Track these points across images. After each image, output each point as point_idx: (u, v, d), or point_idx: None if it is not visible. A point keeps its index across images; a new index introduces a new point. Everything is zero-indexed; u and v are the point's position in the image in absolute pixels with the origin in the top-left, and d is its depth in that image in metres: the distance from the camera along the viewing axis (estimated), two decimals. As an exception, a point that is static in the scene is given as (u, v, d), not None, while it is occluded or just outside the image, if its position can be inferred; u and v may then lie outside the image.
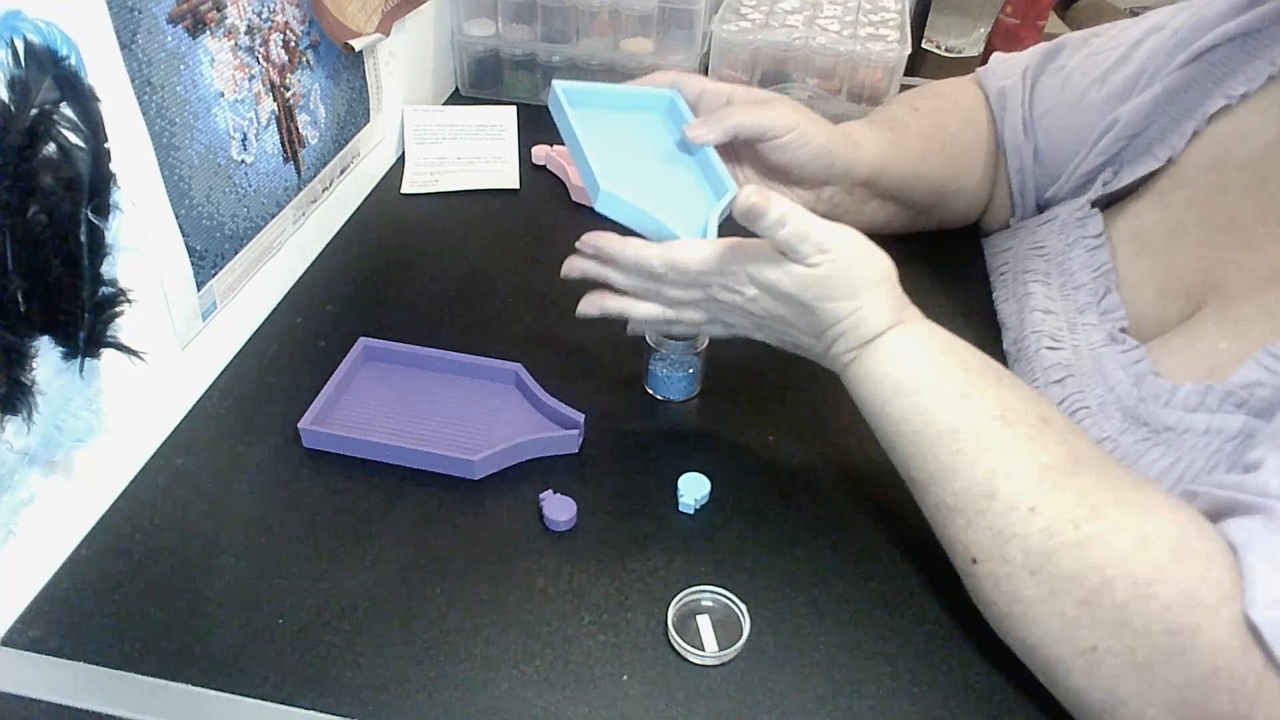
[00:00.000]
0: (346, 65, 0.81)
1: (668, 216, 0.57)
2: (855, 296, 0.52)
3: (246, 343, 0.71)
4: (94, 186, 0.47)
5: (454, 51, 1.07)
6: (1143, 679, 0.42)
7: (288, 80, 0.72)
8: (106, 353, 0.51)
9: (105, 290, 0.49)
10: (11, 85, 0.42)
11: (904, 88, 0.94)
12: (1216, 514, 0.45)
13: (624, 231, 0.57)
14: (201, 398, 0.66)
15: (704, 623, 0.53)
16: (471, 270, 0.81)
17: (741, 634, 0.52)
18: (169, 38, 0.57)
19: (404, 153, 0.96)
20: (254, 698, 0.48)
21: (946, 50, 1.31)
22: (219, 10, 0.61)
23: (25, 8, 0.44)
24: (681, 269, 0.54)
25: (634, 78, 1.03)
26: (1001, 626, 0.48)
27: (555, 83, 0.63)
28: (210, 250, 0.65)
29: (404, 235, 0.85)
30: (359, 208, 0.88)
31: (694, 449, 0.64)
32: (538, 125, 1.01)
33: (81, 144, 0.46)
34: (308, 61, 0.74)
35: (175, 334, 0.63)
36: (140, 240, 0.57)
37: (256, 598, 0.53)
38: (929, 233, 0.85)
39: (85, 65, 0.47)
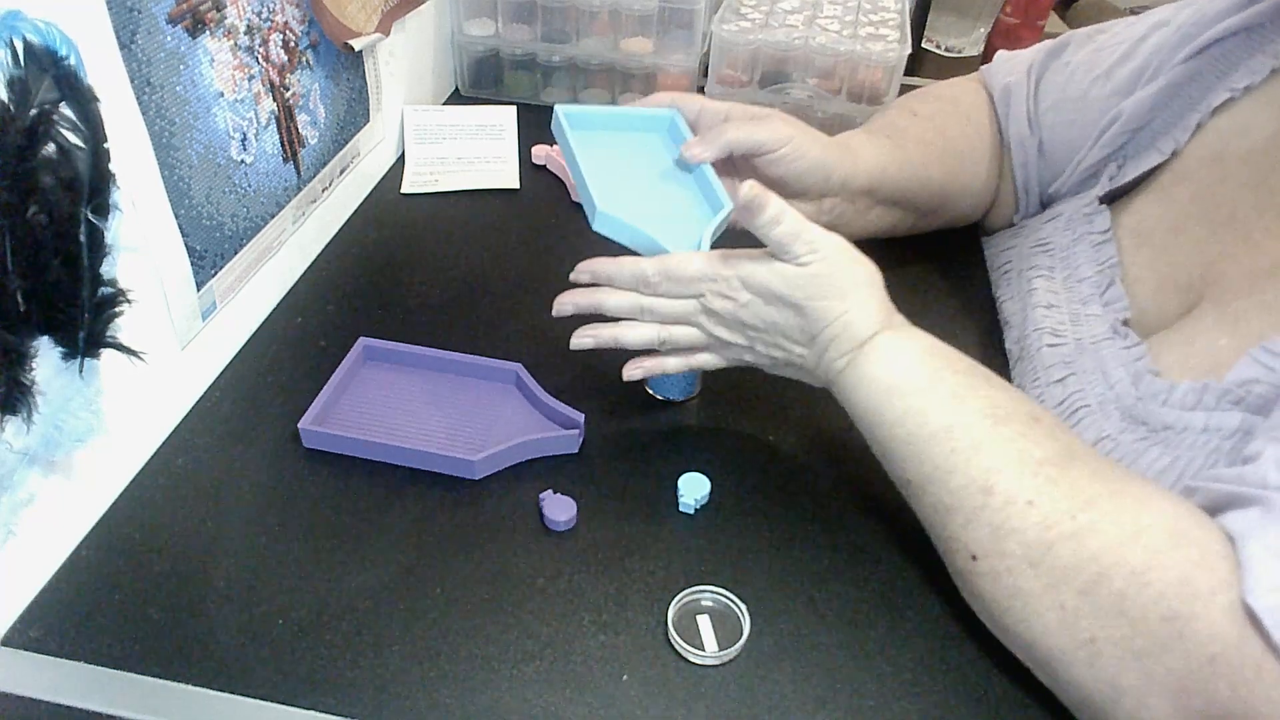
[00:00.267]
0: (346, 65, 0.81)
1: (663, 234, 0.58)
2: (845, 297, 0.54)
3: (246, 343, 0.71)
4: (94, 186, 0.47)
5: (454, 51, 1.07)
6: (1142, 668, 0.42)
7: (287, 80, 0.72)
8: (106, 353, 0.51)
9: (105, 290, 0.49)
10: (11, 85, 0.42)
11: (904, 88, 0.94)
12: (1215, 508, 0.45)
13: (620, 251, 0.58)
14: (201, 398, 0.66)
15: (704, 623, 0.53)
16: (471, 270, 0.81)
17: (741, 634, 0.52)
18: (168, 38, 0.57)
19: (404, 153, 0.96)
20: (254, 698, 0.48)
21: (946, 50, 1.31)
22: (219, 10, 0.61)
23: (25, 8, 0.44)
24: (675, 276, 0.56)
25: (634, 77, 1.04)
26: (1001, 623, 0.49)
27: (557, 107, 0.65)
28: (210, 250, 0.65)
29: (404, 235, 0.85)
30: (359, 208, 0.88)
31: (694, 449, 0.64)
32: (538, 125, 1.01)
33: (81, 144, 0.46)
34: (307, 61, 0.74)
35: (175, 334, 0.63)
36: (140, 240, 0.57)
37: (256, 598, 0.53)
38: (930, 232, 0.85)
39: (85, 65, 0.47)
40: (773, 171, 0.67)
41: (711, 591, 0.54)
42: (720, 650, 0.51)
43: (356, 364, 0.68)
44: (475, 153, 0.96)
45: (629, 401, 0.67)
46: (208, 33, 0.60)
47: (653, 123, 0.68)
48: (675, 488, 0.59)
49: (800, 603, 0.54)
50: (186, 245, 0.62)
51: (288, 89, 0.72)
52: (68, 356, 0.48)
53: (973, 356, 0.73)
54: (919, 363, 0.53)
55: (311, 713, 0.48)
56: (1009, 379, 0.69)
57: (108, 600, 0.53)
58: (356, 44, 0.78)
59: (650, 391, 0.68)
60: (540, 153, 0.96)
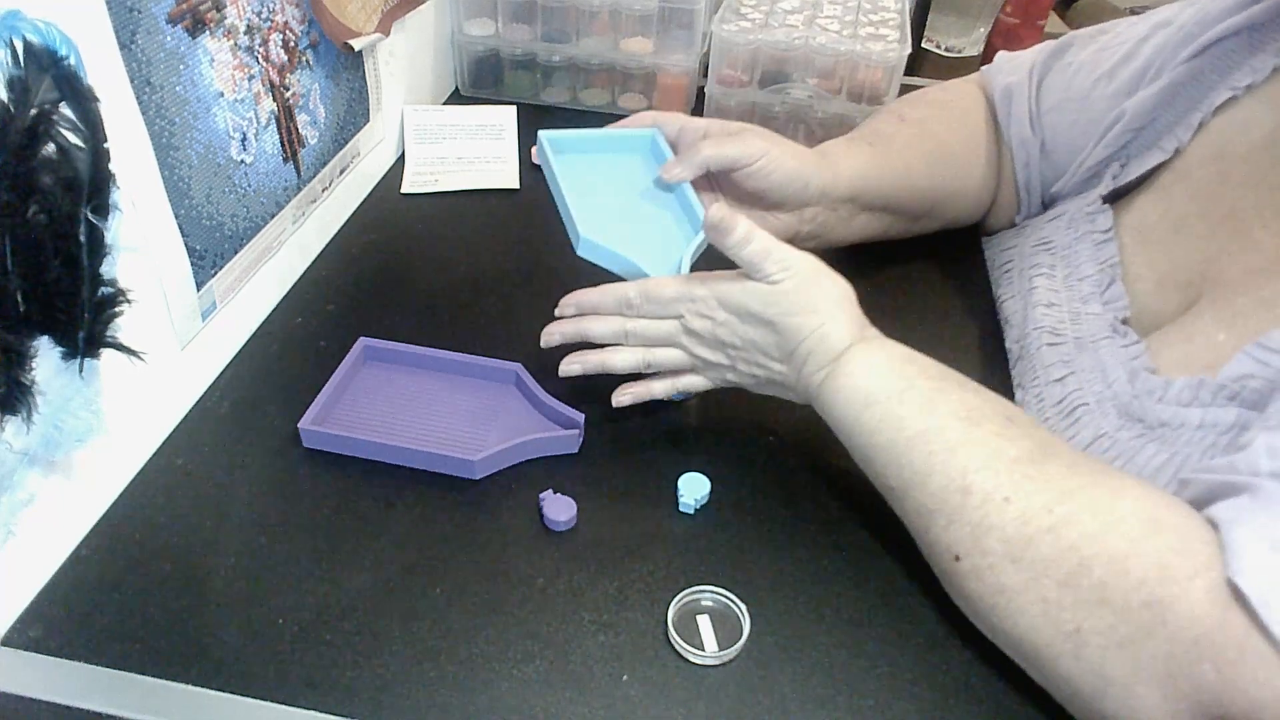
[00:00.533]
0: (346, 65, 0.81)
1: (643, 259, 0.61)
2: (817, 312, 0.55)
3: (246, 343, 0.71)
4: (93, 186, 0.47)
5: (454, 51, 1.07)
6: (1128, 656, 0.43)
7: (287, 80, 0.72)
8: (106, 353, 0.51)
9: (105, 290, 0.49)
10: (11, 85, 0.42)
11: (904, 88, 0.94)
12: (1207, 498, 0.46)
13: (604, 278, 0.62)
14: (201, 398, 0.66)
15: (704, 623, 0.53)
16: (471, 270, 0.81)
17: (741, 634, 0.52)
18: (168, 38, 0.57)
19: (404, 153, 0.96)
20: (254, 698, 0.48)
21: (946, 50, 1.31)
22: (218, 10, 0.61)
23: (25, 8, 0.44)
24: (655, 298, 0.58)
25: (634, 77, 1.04)
26: (988, 621, 0.49)
27: (541, 133, 0.68)
28: (210, 250, 0.65)
29: (404, 235, 0.85)
30: (359, 208, 0.88)
31: (694, 449, 0.64)
32: (538, 125, 1.00)
33: (81, 144, 0.46)
34: (307, 61, 0.74)
35: (175, 334, 0.63)
36: (140, 240, 0.57)
37: (256, 598, 0.53)
38: (929, 233, 0.85)
39: (85, 65, 0.47)
40: (751, 185, 0.68)
41: (711, 591, 0.54)
42: (720, 650, 0.51)
43: (356, 364, 0.68)
44: (475, 153, 0.96)
45: (629, 401, 0.67)
46: (208, 33, 0.60)
47: (634, 143, 0.70)
48: (675, 488, 0.59)
49: (800, 603, 0.54)
50: (186, 245, 0.62)
51: (288, 89, 0.72)
52: (68, 356, 0.48)
53: (973, 356, 0.74)
54: (893, 371, 0.54)
55: (311, 713, 0.48)
56: (1009, 378, 0.69)
57: (108, 600, 0.53)
58: (356, 44, 0.78)
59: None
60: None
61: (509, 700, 0.49)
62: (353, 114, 0.84)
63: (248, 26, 0.65)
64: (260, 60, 0.67)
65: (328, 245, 0.83)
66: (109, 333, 0.50)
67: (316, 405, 0.63)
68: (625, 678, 0.50)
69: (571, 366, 0.63)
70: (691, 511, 0.59)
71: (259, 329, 0.73)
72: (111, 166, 0.48)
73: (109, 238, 0.49)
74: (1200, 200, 0.62)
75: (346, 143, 0.84)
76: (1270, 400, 0.48)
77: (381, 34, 0.83)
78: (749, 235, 0.54)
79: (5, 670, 0.49)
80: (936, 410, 0.52)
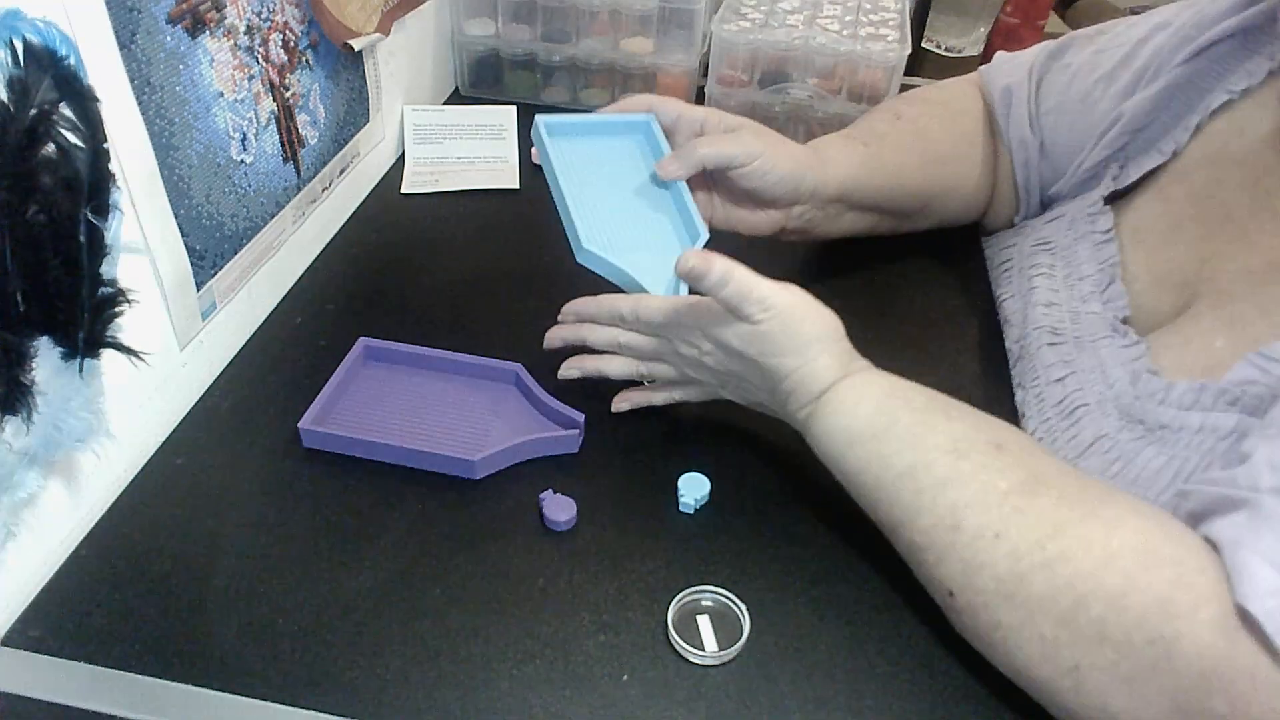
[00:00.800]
0: (346, 65, 0.81)
1: (642, 274, 0.62)
2: (799, 352, 0.54)
3: (246, 343, 0.71)
4: (93, 186, 0.46)
5: (454, 51, 1.07)
6: (1132, 691, 0.42)
7: (287, 80, 0.72)
8: (106, 353, 0.51)
9: (105, 290, 0.49)
10: (11, 85, 0.42)
11: (904, 88, 0.94)
12: (1206, 511, 0.45)
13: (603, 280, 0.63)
14: (201, 398, 0.66)
15: (704, 623, 0.53)
16: (471, 270, 0.81)
17: (741, 634, 0.52)
18: (168, 38, 0.57)
19: (404, 153, 0.96)
20: (254, 698, 0.48)
21: (946, 50, 1.31)
22: (218, 10, 0.61)
23: (25, 8, 0.44)
24: (644, 319, 0.59)
25: (634, 77, 1.04)
26: (987, 654, 0.49)
27: (538, 117, 0.67)
28: (210, 250, 0.65)
29: (404, 235, 0.85)
30: (359, 208, 0.88)
31: (694, 449, 0.64)
32: (538, 125, 1.01)
33: (81, 144, 0.46)
34: (307, 61, 0.74)
35: (175, 334, 0.63)
36: (140, 240, 0.57)
37: (256, 598, 0.53)
38: (930, 232, 0.85)
39: (85, 65, 0.47)
40: (744, 184, 0.68)
41: (711, 591, 0.54)
42: (720, 650, 0.51)
43: (356, 364, 0.68)
44: (475, 153, 0.96)
45: (629, 401, 0.67)
46: (208, 33, 0.60)
47: (629, 128, 0.69)
48: (675, 488, 0.59)
49: (800, 603, 0.54)
50: (186, 245, 0.62)
51: (288, 89, 0.72)
52: (68, 356, 0.48)
53: (973, 356, 0.74)
54: (875, 409, 0.53)
55: (311, 713, 0.48)
56: (1009, 378, 0.69)
57: (108, 600, 0.53)
58: (356, 44, 0.78)
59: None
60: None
61: (509, 700, 0.49)
62: (353, 114, 0.84)
63: (248, 26, 0.65)
64: (260, 60, 0.67)
65: (328, 245, 0.83)
66: (109, 333, 0.50)
67: (316, 405, 0.63)
68: (625, 678, 0.50)
69: (570, 371, 0.64)
70: (691, 511, 0.59)
71: (259, 329, 0.73)
72: (111, 166, 0.48)
73: (109, 238, 0.48)
74: (1197, 203, 0.63)
75: (346, 143, 0.84)
76: (1271, 407, 0.48)
77: (381, 34, 0.83)
78: (725, 277, 0.52)
79: (5, 670, 0.49)
80: (922, 445, 0.51)
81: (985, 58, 1.26)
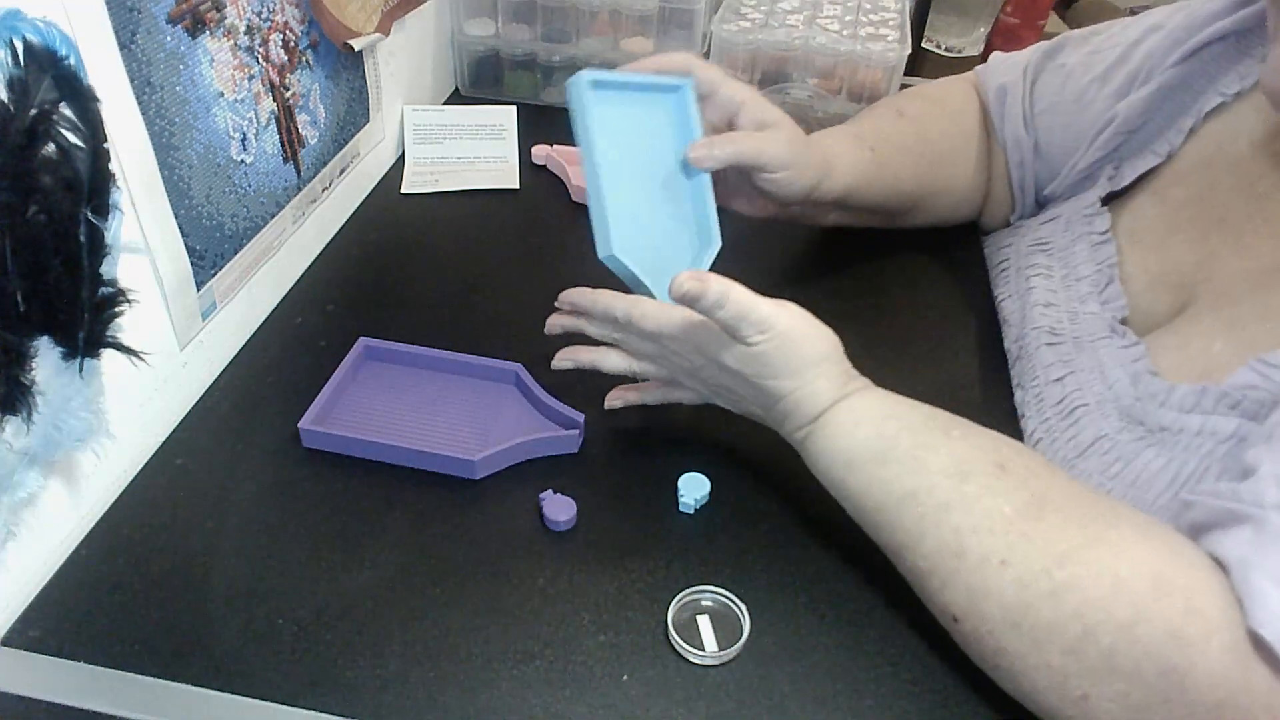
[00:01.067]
0: (346, 65, 0.81)
1: (659, 287, 0.59)
2: (796, 374, 0.53)
3: (246, 343, 0.71)
4: (94, 186, 0.46)
5: (454, 51, 1.07)
6: None
7: (287, 80, 0.72)
8: (106, 353, 0.51)
9: (105, 290, 0.49)
10: (11, 85, 0.42)
11: (904, 88, 0.94)
12: (1210, 524, 0.44)
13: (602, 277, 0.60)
14: (201, 398, 0.66)
15: (704, 623, 0.53)
16: (471, 270, 0.81)
17: (741, 634, 0.52)
18: (168, 38, 0.57)
19: (404, 153, 0.96)
20: (254, 698, 0.48)
21: (946, 50, 1.31)
22: (218, 10, 0.61)
23: (25, 7, 0.44)
24: (638, 328, 0.57)
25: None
26: (993, 677, 0.48)
27: (582, 74, 0.59)
28: (210, 250, 0.65)
29: (404, 235, 0.85)
30: (359, 208, 0.88)
31: (694, 449, 0.64)
32: (538, 125, 1.01)
33: (81, 144, 0.46)
34: (307, 61, 0.74)
35: (175, 334, 0.63)
36: (140, 240, 0.57)
37: (256, 598, 0.53)
38: (930, 231, 0.85)
39: (85, 65, 0.47)
40: (758, 184, 0.68)
41: (711, 591, 0.54)
42: (720, 650, 0.51)
43: (356, 364, 0.68)
44: (475, 153, 0.96)
45: (629, 401, 0.67)
46: (208, 33, 0.60)
47: (664, 92, 0.65)
48: (675, 488, 0.59)
49: (800, 603, 0.54)
50: (186, 245, 0.62)
51: (288, 89, 0.72)
52: (68, 356, 0.48)
53: (971, 356, 0.74)
54: (875, 432, 0.52)
55: (311, 713, 0.48)
56: (1008, 378, 0.69)
57: (108, 600, 0.53)
58: (356, 44, 0.78)
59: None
60: (540, 153, 0.96)
61: (509, 700, 0.49)
62: (353, 114, 0.84)
63: (248, 26, 0.65)
64: (260, 60, 0.67)
65: (328, 245, 0.83)
66: (109, 333, 0.50)
67: (316, 405, 0.63)
68: (625, 678, 0.50)
69: (564, 362, 0.62)
70: (691, 511, 0.59)
71: (259, 329, 0.73)
72: (111, 166, 0.48)
73: (109, 238, 0.48)
74: (1192, 205, 0.63)
75: (346, 143, 0.84)
76: (1272, 413, 0.48)
77: (381, 34, 0.83)
78: (721, 299, 0.51)
79: (5, 670, 0.49)
80: (924, 468, 0.49)
81: (985, 58, 1.25)
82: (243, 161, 0.67)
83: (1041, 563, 0.45)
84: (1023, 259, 0.75)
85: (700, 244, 0.64)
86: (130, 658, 0.50)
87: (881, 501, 0.51)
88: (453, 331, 0.73)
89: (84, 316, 0.48)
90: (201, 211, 0.63)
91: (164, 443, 0.62)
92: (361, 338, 0.69)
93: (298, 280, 0.78)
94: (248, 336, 0.72)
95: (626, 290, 0.60)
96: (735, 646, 0.51)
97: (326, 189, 0.81)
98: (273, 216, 0.73)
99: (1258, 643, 0.39)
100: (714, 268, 0.62)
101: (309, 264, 0.80)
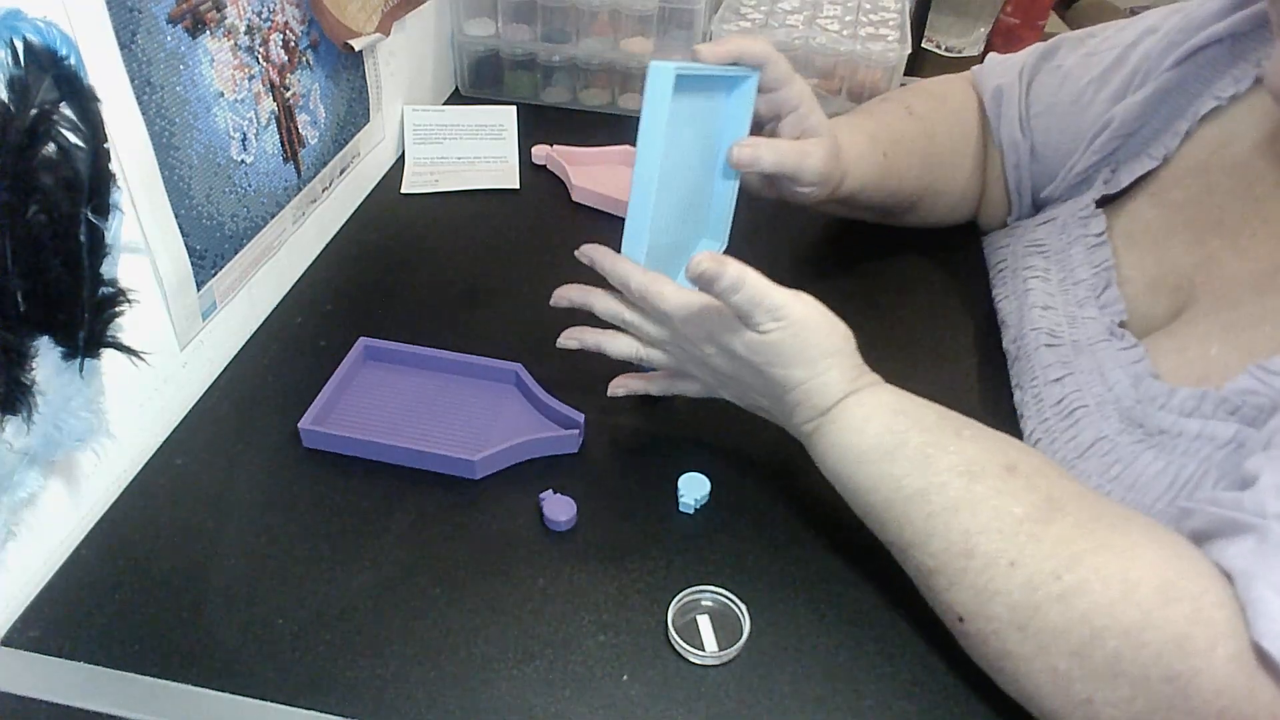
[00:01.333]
0: (346, 65, 0.81)
1: (675, 276, 0.57)
2: (808, 365, 0.52)
3: (246, 343, 0.71)
4: (94, 186, 0.46)
5: (454, 51, 1.07)
6: None
7: (288, 80, 0.72)
8: (106, 353, 0.51)
9: (105, 290, 0.49)
10: (11, 85, 0.42)
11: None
12: (1210, 532, 0.44)
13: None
14: (201, 398, 0.66)
15: (704, 623, 0.53)
16: (471, 270, 0.81)
17: (741, 634, 0.52)
18: (169, 38, 0.57)
19: (404, 153, 0.96)
20: (254, 698, 0.48)
21: (946, 50, 1.31)
22: (219, 10, 0.61)
23: (25, 7, 0.44)
24: (651, 305, 0.56)
25: (634, 78, 1.04)
26: (996, 679, 0.48)
27: (666, 66, 0.53)
28: (210, 250, 0.65)
29: (404, 235, 0.85)
30: (359, 208, 0.88)
31: (694, 449, 0.64)
32: (538, 125, 1.01)
33: (81, 144, 0.46)
34: (307, 61, 0.74)
35: (175, 334, 0.63)
36: (140, 240, 0.57)
37: (256, 598, 0.53)
38: (930, 231, 0.85)
39: (85, 65, 0.47)
40: (784, 186, 0.68)
41: (711, 591, 0.54)
42: (720, 650, 0.51)
43: (356, 364, 0.68)
44: (475, 153, 0.96)
45: (629, 401, 0.67)
46: (208, 33, 0.60)
47: (729, 85, 0.63)
48: (675, 488, 0.59)
49: (800, 603, 0.54)
50: (187, 245, 0.62)
51: (288, 89, 0.72)
52: (68, 356, 0.48)
53: (971, 356, 0.74)
54: (885, 427, 0.51)
55: (311, 713, 0.48)
56: (1008, 378, 0.69)
57: (108, 600, 0.53)
58: (356, 44, 0.78)
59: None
60: (540, 153, 0.96)
61: (509, 700, 0.49)
62: (353, 114, 0.84)
63: (248, 26, 0.65)
64: (260, 60, 0.67)
65: (328, 245, 0.83)
66: (109, 333, 0.50)
67: (316, 405, 0.63)
68: (625, 678, 0.50)
69: (569, 341, 0.61)
70: (691, 511, 0.59)
71: (259, 329, 0.73)
72: (112, 166, 0.48)
73: (109, 238, 0.48)
74: (1189, 208, 0.63)
75: (346, 143, 0.84)
76: (1270, 418, 0.48)
77: (381, 34, 0.83)
78: (737, 283, 0.50)
79: (5, 670, 0.49)
80: (934, 467, 0.49)
81: (985, 58, 1.26)
82: (243, 161, 0.67)
83: (1050, 565, 0.44)
84: (1019, 261, 0.75)
85: (711, 238, 0.63)
86: (130, 658, 0.50)
87: (889, 498, 0.50)
88: (453, 331, 0.73)
89: (84, 316, 0.48)
90: (202, 211, 0.63)
91: (164, 443, 0.62)
92: (361, 338, 0.69)
93: (298, 280, 0.78)
94: (248, 336, 0.72)
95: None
96: (735, 646, 0.51)
97: (327, 189, 0.81)
98: (273, 216, 0.73)
99: (1261, 655, 0.39)
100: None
101: (309, 264, 0.80)
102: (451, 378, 0.68)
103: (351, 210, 0.87)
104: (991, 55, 0.82)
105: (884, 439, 0.51)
